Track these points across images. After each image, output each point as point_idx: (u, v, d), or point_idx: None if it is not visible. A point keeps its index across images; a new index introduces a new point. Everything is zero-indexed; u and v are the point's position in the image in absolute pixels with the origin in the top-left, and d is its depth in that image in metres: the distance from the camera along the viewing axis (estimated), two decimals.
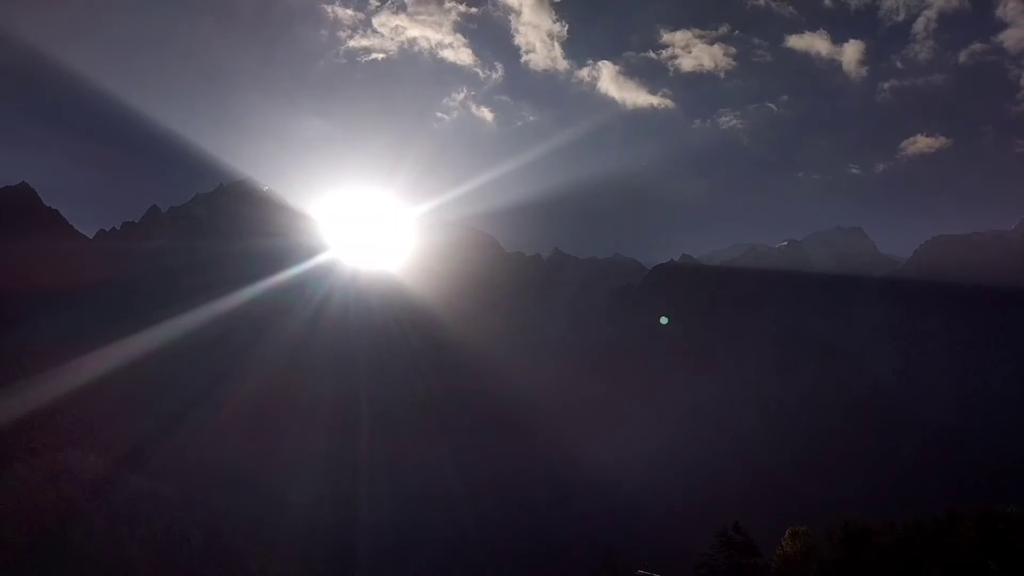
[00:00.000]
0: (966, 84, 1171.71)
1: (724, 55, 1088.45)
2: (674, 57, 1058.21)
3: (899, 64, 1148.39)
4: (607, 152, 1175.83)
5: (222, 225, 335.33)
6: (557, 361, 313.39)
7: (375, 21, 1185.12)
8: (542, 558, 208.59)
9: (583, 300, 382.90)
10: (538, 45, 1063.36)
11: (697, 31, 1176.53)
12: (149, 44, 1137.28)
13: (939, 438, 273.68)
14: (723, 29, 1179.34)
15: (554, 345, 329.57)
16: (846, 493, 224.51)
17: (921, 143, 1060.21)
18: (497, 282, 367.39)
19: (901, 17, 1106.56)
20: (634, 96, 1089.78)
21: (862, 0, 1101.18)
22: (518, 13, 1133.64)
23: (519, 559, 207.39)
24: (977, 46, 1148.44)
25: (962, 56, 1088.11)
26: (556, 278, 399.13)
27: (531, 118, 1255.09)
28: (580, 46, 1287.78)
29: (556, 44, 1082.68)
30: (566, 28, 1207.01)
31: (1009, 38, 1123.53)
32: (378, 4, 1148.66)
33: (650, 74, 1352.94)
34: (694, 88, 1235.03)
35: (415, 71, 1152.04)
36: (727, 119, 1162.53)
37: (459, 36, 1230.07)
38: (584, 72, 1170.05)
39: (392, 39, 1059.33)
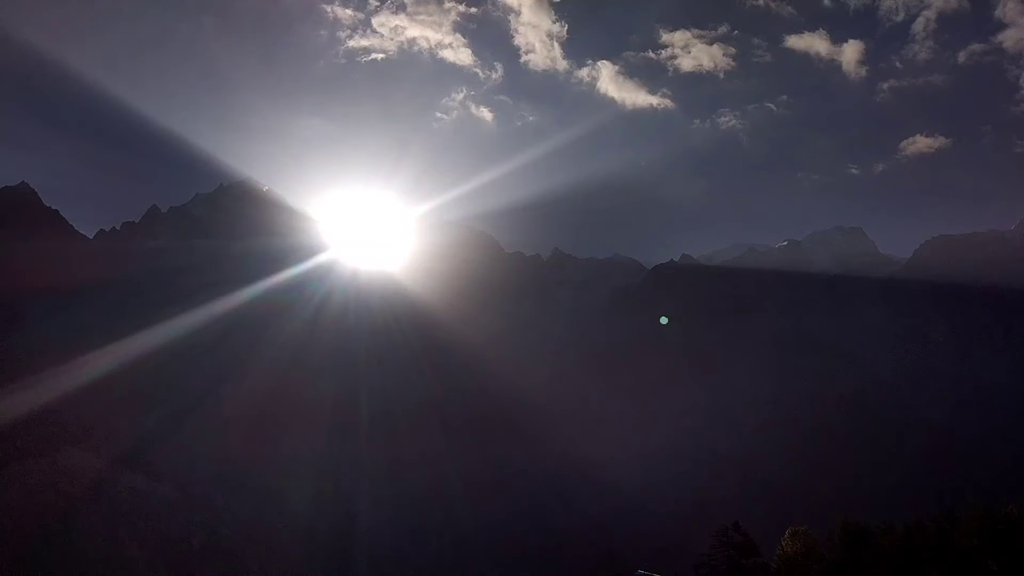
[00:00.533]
0: (965, 84, 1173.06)
1: (723, 55, 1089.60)
2: (673, 57, 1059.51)
3: (898, 64, 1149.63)
4: (607, 152, 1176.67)
5: (222, 225, 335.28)
6: (557, 361, 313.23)
7: (375, 21, 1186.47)
8: (542, 558, 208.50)
9: (583, 300, 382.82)
10: (537, 45, 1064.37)
11: (696, 31, 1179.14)
12: (149, 44, 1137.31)
13: (939, 438, 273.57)
14: (722, 29, 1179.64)
15: (554, 345, 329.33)
16: (846, 493, 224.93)
17: (921, 143, 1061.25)
18: (497, 282, 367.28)
19: (900, 17, 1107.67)
20: (633, 96, 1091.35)
21: (861, 0, 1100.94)
22: (518, 13, 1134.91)
23: (519, 559, 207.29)
24: (976, 46, 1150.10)
25: (961, 56, 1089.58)
26: (556, 278, 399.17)
27: (531, 118, 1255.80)
28: (579, 46, 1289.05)
29: (555, 44, 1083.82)
30: (565, 28, 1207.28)
31: (1008, 38, 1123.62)
32: (378, 4, 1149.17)
33: (649, 74, 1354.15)
34: (693, 88, 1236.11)
35: (414, 71, 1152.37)
36: (727, 119, 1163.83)
37: (458, 36, 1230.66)
38: (584, 72, 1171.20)
39: (392, 39, 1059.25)
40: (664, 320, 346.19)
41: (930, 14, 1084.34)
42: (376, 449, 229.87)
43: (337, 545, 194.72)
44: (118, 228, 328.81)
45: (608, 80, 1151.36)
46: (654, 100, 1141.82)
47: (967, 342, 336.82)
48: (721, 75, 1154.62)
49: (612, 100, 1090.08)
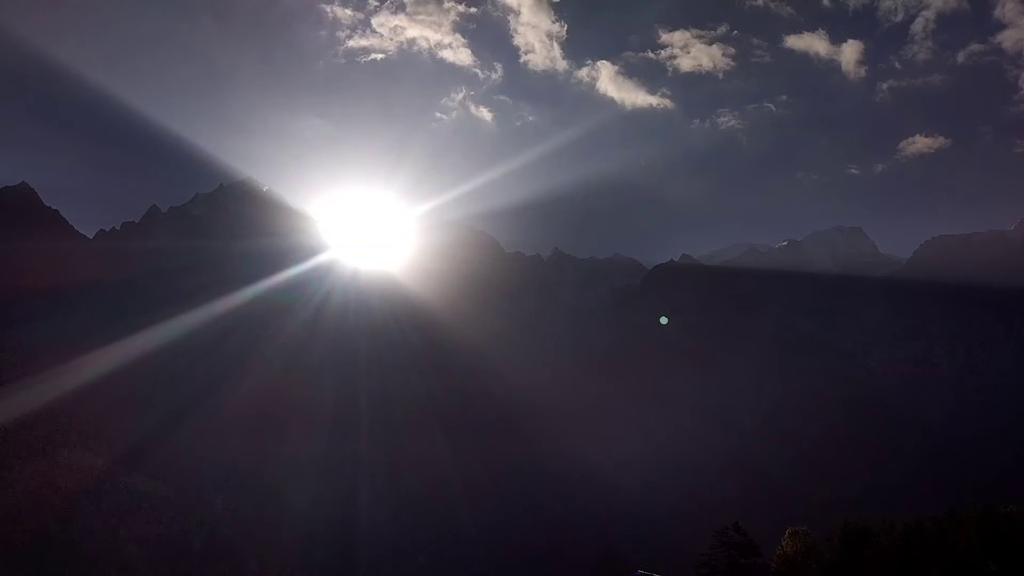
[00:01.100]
0: (965, 85, 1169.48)
1: (723, 55, 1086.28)
2: (673, 57, 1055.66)
3: (897, 65, 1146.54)
4: (606, 152, 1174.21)
5: (222, 225, 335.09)
6: (557, 361, 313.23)
7: (374, 21, 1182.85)
8: (542, 558, 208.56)
9: (583, 300, 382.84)
10: (537, 45, 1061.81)
11: (696, 31, 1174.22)
12: (148, 44, 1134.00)
13: (939, 438, 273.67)
14: (722, 29, 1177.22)
15: (554, 345, 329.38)
16: (846, 493, 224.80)
17: (920, 143, 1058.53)
18: (497, 282, 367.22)
19: (899, 18, 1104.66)
20: (633, 96, 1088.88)
21: (860, 1, 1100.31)
22: (517, 13, 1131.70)
23: (519, 559, 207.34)
24: (975, 47, 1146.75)
25: (960, 57, 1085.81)
26: (556, 278, 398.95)
27: (530, 118, 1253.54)
28: (579, 46, 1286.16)
29: (555, 44, 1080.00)
30: (565, 28, 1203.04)
31: (1007, 39, 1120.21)
32: (377, 4, 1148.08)
33: (649, 74, 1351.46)
34: (693, 88, 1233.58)
35: (414, 71, 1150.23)
36: (726, 119, 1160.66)
37: (458, 36, 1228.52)
38: (583, 72, 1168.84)
39: (391, 39, 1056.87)
40: (664, 320, 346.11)
41: (929, 14, 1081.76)
42: (376, 449, 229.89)
43: (337, 545, 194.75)
44: (118, 228, 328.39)
45: (608, 80, 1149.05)
46: (654, 100, 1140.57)
47: (967, 342, 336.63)
48: (720, 75, 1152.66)
49: (612, 100, 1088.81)
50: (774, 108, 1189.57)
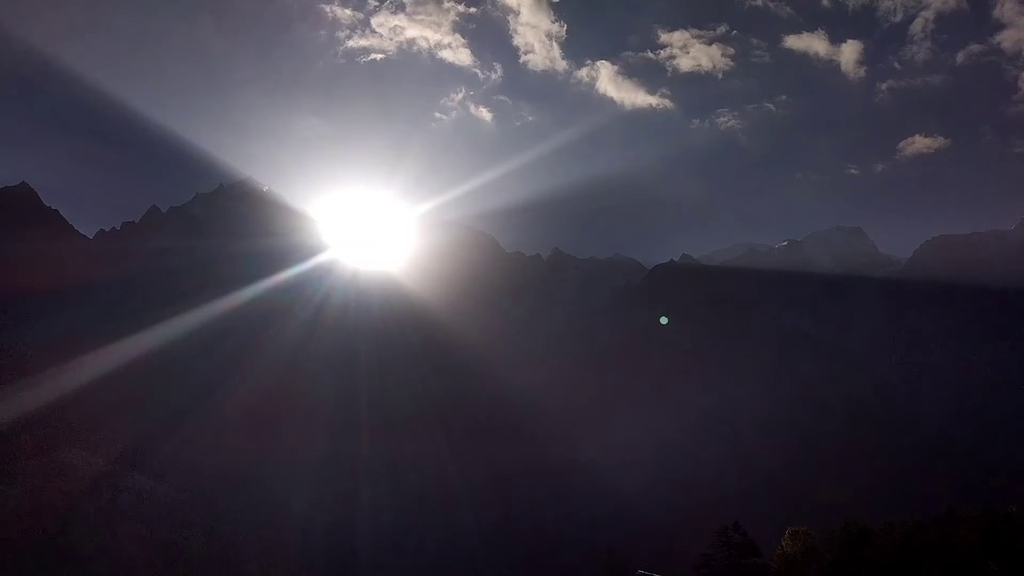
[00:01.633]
0: (964, 85, 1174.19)
1: (722, 55, 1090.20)
2: (672, 57, 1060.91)
3: (897, 65, 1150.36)
4: (606, 152, 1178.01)
5: (222, 225, 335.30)
6: (557, 361, 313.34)
7: (374, 21, 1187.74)
8: (542, 558, 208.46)
9: (583, 300, 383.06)
10: (537, 45, 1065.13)
11: (695, 31, 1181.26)
12: (148, 44, 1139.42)
13: (939, 438, 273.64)
14: (721, 29, 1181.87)
15: (554, 345, 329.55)
16: (846, 493, 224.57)
17: (920, 143, 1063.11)
18: (497, 282, 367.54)
19: (899, 18, 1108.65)
20: (633, 96, 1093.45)
21: (859, 1, 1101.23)
22: (517, 13, 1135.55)
23: (519, 559, 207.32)
24: (975, 47, 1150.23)
25: (960, 57, 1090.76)
26: (556, 278, 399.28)
27: (530, 118, 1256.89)
28: (579, 46, 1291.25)
29: (555, 44, 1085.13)
30: (565, 28, 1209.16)
31: (1007, 39, 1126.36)
32: (377, 4, 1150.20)
33: (648, 74, 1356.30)
34: (692, 88, 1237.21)
35: (414, 71, 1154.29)
36: (726, 119, 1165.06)
37: (458, 36, 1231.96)
38: (583, 72, 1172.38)
39: (391, 39, 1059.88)
40: (664, 320, 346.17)
41: (928, 15, 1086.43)
42: (376, 449, 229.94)
43: (337, 545, 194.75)
44: (118, 228, 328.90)
45: (607, 80, 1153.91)
46: (653, 100, 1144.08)
47: (967, 342, 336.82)
48: (720, 75, 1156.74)
49: (611, 100, 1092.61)
50: (774, 108, 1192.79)
